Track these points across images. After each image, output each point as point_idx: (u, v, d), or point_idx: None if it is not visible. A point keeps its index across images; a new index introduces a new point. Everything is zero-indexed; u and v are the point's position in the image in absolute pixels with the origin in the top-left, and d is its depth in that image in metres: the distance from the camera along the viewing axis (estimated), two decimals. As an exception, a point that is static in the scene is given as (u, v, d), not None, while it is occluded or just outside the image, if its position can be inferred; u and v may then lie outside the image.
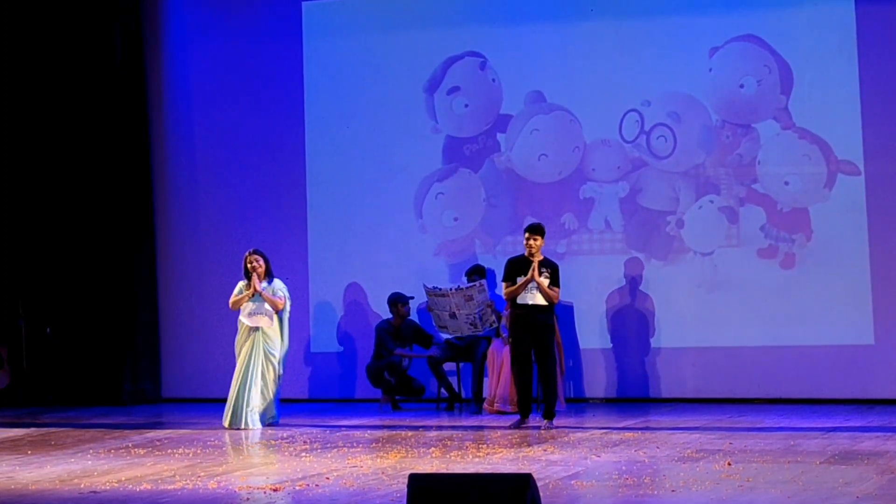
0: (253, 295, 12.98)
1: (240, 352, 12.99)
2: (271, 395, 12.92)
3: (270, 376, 12.92)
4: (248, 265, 13.04)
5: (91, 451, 11.32)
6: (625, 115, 14.14)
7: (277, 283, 13.11)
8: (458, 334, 13.66)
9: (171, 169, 15.45)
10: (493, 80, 14.56)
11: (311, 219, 14.99)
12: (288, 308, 13.12)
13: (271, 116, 15.13)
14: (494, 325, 13.64)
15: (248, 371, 12.87)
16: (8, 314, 15.28)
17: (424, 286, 13.70)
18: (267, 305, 12.96)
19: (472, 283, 13.54)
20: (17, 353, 15.21)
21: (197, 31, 15.41)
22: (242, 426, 12.72)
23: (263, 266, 13.04)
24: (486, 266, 14.04)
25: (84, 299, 15.16)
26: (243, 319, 13.03)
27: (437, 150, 14.71)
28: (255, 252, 13.12)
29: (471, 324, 13.55)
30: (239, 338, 13.05)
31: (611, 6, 14.20)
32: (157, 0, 15.49)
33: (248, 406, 12.80)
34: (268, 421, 12.92)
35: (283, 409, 13.42)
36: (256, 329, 12.93)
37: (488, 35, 14.55)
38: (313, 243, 14.92)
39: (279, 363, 12.98)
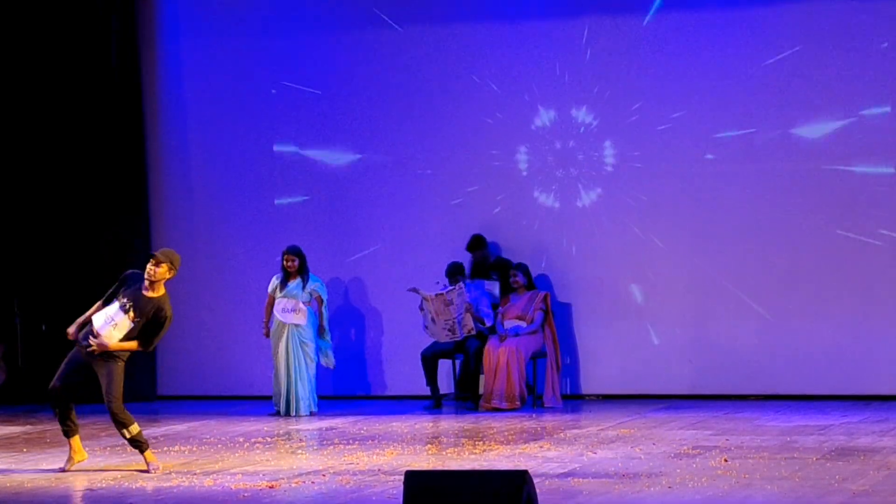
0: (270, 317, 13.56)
1: (276, 345, 13.47)
2: (309, 385, 13.47)
3: (309, 366, 13.47)
4: (284, 263, 13.48)
5: (87, 448, 11.27)
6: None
7: (313, 281, 13.54)
8: (437, 339, 13.59)
9: (166, 167, 15.43)
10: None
11: (309, 215, 14.96)
12: (325, 303, 13.62)
13: (268, 113, 15.10)
14: (472, 333, 13.52)
15: (289, 363, 13.38)
16: (4, 312, 15.25)
17: (411, 289, 13.69)
18: (301, 303, 13.38)
19: (451, 287, 13.49)
20: (12, 350, 15.19)
21: (192, 27, 15.36)
22: (294, 414, 13.34)
23: (297, 264, 13.46)
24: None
25: (80, 297, 15.09)
26: (277, 315, 13.44)
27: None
28: (290, 251, 13.52)
29: (448, 330, 13.45)
30: (274, 331, 13.51)
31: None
32: (153, -3, 15.51)
33: (299, 395, 13.39)
34: (310, 410, 13.46)
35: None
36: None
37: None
38: (311, 239, 14.88)
39: (314, 353, 13.52)
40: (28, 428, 12.91)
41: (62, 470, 9.97)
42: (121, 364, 9.81)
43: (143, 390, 15.24)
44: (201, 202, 15.30)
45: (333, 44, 14.91)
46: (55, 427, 12.83)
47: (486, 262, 14.07)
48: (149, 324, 9.73)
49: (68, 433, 10.03)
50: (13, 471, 10.15)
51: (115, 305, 9.77)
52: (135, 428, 9.80)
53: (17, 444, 11.70)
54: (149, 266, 9.75)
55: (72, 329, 10.01)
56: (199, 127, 15.33)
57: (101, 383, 9.77)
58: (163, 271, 9.72)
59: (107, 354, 9.76)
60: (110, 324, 9.70)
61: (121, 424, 9.78)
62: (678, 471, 9.26)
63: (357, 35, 14.83)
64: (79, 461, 10.04)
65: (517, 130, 14.39)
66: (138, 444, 9.85)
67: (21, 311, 15.18)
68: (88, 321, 9.88)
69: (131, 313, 9.72)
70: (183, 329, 15.21)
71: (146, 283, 9.77)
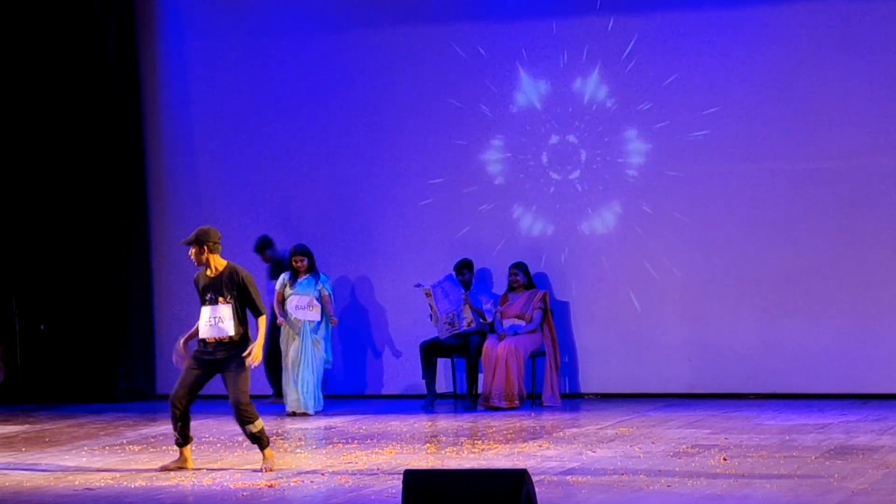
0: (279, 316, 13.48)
1: (290, 344, 13.40)
2: (313, 383, 13.41)
3: (316, 364, 13.42)
4: (293, 263, 13.46)
5: (86, 447, 11.31)
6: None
7: (323, 278, 13.56)
8: (440, 335, 13.58)
9: (166, 165, 15.42)
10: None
11: (308, 215, 14.94)
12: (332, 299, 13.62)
13: (267, 111, 15.09)
14: (472, 326, 13.54)
15: (301, 359, 13.31)
16: (2, 311, 15.24)
17: (417, 285, 13.69)
18: (315, 299, 13.37)
19: (447, 280, 13.55)
20: (11, 349, 15.18)
21: (191, 25, 15.35)
22: (302, 411, 13.23)
23: (306, 264, 13.46)
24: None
25: (78, 295, 15.13)
26: (291, 313, 13.40)
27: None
28: (299, 252, 13.50)
29: (448, 323, 13.48)
30: (286, 331, 13.45)
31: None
32: (151, -4, 15.50)
33: (307, 392, 13.31)
34: (317, 408, 13.41)
35: (278, 407, 13.65)
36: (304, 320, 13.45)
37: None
38: (311, 239, 14.86)
39: (325, 351, 13.50)
40: (27, 427, 12.90)
41: (163, 469, 9.90)
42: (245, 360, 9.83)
43: (143, 389, 15.25)
44: (200, 201, 15.28)
45: (333, 43, 14.89)
46: (54, 426, 12.88)
47: (278, 260, 14.17)
48: (239, 293, 9.79)
49: (183, 444, 9.98)
50: (13, 470, 10.14)
51: (205, 308, 9.83)
52: (259, 423, 9.78)
53: (16, 444, 11.69)
54: (190, 255, 9.94)
55: (181, 348, 10.01)
56: (198, 126, 15.32)
57: (228, 382, 9.77)
58: (199, 250, 9.81)
59: (231, 354, 9.77)
60: (217, 323, 9.76)
61: (246, 420, 9.73)
62: (677, 469, 9.27)
63: (358, 35, 14.80)
64: (190, 468, 9.95)
65: (516, 130, 14.38)
66: (259, 440, 9.80)
67: (19, 310, 15.18)
68: (195, 335, 9.97)
69: (220, 299, 9.80)
70: (181, 328, 15.14)
71: (203, 269, 9.90)
